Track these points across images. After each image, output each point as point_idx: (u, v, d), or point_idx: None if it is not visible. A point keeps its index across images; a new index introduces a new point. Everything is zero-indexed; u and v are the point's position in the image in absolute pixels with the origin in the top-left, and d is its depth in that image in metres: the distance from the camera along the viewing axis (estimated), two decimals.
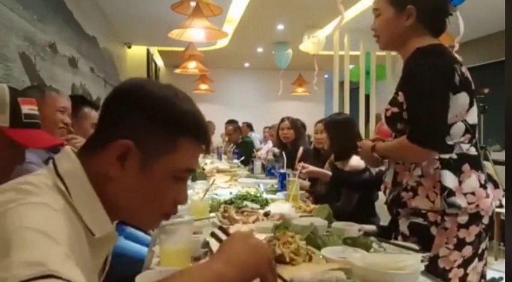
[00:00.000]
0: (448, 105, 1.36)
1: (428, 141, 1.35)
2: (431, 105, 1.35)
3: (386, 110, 1.48)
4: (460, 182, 1.37)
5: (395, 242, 1.44)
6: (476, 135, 1.45)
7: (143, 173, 0.70)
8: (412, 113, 1.39)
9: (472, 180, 1.37)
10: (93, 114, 2.28)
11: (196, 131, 0.73)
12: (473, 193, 1.36)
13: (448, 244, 1.39)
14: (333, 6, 3.59)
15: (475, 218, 1.38)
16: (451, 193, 1.36)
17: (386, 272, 1.01)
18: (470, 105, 1.40)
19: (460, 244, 1.39)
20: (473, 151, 1.41)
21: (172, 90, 0.76)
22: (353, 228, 1.53)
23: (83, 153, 0.72)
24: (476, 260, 1.42)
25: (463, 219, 1.37)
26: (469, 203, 1.35)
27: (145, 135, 0.70)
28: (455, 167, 1.38)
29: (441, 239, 1.40)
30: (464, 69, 1.40)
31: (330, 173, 2.27)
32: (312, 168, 2.29)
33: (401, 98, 1.42)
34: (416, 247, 1.37)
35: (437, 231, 1.40)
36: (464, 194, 1.36)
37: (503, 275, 0.98)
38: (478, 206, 1.36)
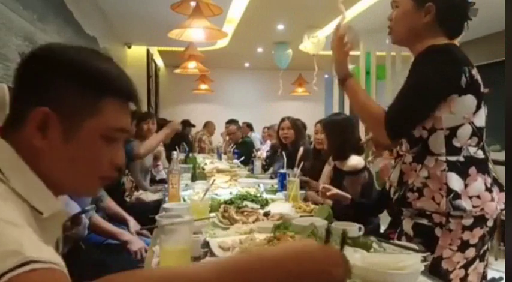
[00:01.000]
0: (433, 106, 1.36)
1: (390, 123, 1.35)
2: (415, 97, 1.36)
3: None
4: (466, 185, 1.37)
5: (396, 242, 1.44)
6: (484, 138, 1.44)
7: (68, 139, 0.67)
8: (401, 96, 1.39)
9: (478, 184, 1.37)
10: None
11: (119, 89, 0.71)
12: (478, 196, 1.36)
13: (451, 245, 1.39)
14: (333, 6, 3.58)
15: (479, 220, 1.38)
16: (457, 196, 1.36)
17: (387, 272, 1.01)
18: (478, 107, 1.39)
19: (464, 246, 1.39)
20: (480, 154, 1.41)
21: (88, 50, 0.74)
22: (353, 228, 1.53)
23: (7, 131, 0.68)
24: (477, 260, 1.42)
25: (467, 221, 1.37)
26: (474, 206, 1.36)
27: (64, 99, 0.66)
28: (462, 170, 1.38)
29: (445, 240, 1.40)
30: (474, 71, 1.39)
31: (349, 196, 2.24)
32: (335, 191, 2.23)
33: None
34: (416, 247, 1.37)
35: (441, 233, 1.40)
36: (470, 197, 1.36)
37: (503, 275, 0.98)
38: (482, 209, 1.36)
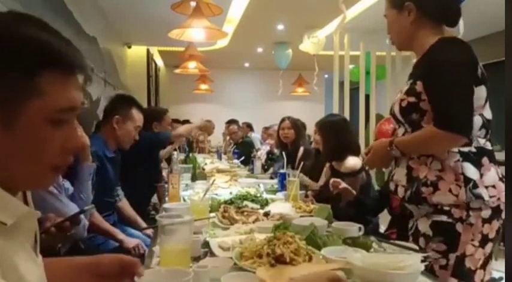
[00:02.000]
0: (473, 94, 1.36)
1: (456, 125, 1.32)
2: (458, 92, 1.34)
3: (402, 100, 1.45)
4: (482, 175, 1.37)
5: (395, 242, 1.44)
6: (490, 130, 1.45)
7: (8, 129, 0.56)
8: (438, 100, 1.36)
9: (492, 174, 1.38)
10: (139, 117, 2.38)
11: (58, 60, 0.58)
12: (494, 186, 1.36)
13: (473, 241, 1.37)
14: (333, 6, 3.59)
15: (496, 211, 1.37)
16: (476, 185, 1.35)
17: (387, 272, 1.01)
18: (487, 99, 1.41)
19: (484, 241, 1.38)
20: (489, 146, 1.43)
21: (13, 14, 0.60)
22: (353, 228, 1.53)
23: None
24: (493, 259, 1.44)
25: (486, 213, 1.36)
26: (490, 196, 1.35)
27: None
28: (475, 160, 1.38)
29: (467, 235, 1.37)
30: (480, 64, 1.41)
31: (354, 192, 2.25)
32: (345, 184, 2.22)
33: (419, 87, 1.40)
34: (416, 247, 1.37)
35: (463, 228, 1.37)
36: (486, 187, 1.36)
37: (503, 275, 0.98)
38: (499, 199, 1.35)
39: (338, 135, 2.56)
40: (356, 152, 2.57)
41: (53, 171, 0.63)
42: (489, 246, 1.39)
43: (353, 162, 2.47)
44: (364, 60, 5.95)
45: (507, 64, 1.07)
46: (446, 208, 1.38)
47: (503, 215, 1.38)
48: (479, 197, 1.34)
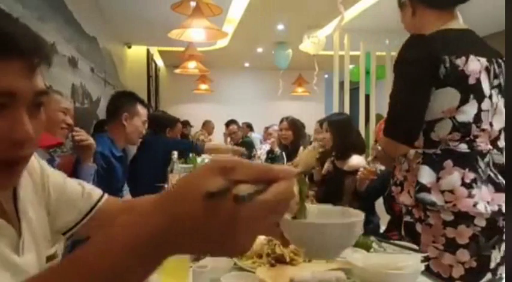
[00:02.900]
0: (427, 100, 1.29)
1: (396, 134, 1.32)
2: (405, 98, 1.31)
3: None
4: (439, 179, 1.30)
5: (396, 242, 1.44)
6: (477, 132, 1.31)
7: None
8: (390, 104, 1.35)
9: (453, 178, 1.28)
10: (144, 112, 2.43)
11: (4, 43, 0.52)
12: (451, 191, 1.28)
13: (435, 243, 1.31)
14: (333, 6, 3.59)
15: (461, 217, 1.27)
16: (423, 189, 1.30)
17: (387, 272, 1.01)
18: (463, 102, 1.28)
19: (451, 245, 1.29)
20: (464, 148, 1.31)
21: None
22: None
23: None
24: (488, 274, 1.29)
25: (447, 217, 1.29)
26: (446, 201, 1.28)
27: None
28: (436, 162, 1.31)
29: (427, 236, 1.33)
30: (460, 61, 1.27)
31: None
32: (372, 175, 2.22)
33: None
34: (416, 247, 1.36)
35: (422, 228, 1.34)
36: (442, 192, 1.28)
37: (503, 275, 0.98)
38: (455, 205, 1.26)
39: (346, 133, 2.59)
40: (360, 151, 2.59)
41: (2, 168, 0.55)
42: (463, 254, 1.27)
43: (357, 160, 2.49)
44: (364, 60, 5.95)
45: (507, 64, 1.07)
46: (410, 208, 1.38)
47: (477, 222, 1.27)
48: (422, 201, 1.30)
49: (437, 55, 1.27)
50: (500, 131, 1.35)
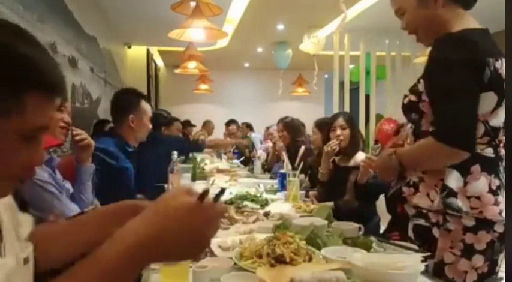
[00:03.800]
0: (478, 101, 1.21)
1: (457, 139, 1.20)
2: (460, 101, 1.20)
3: (405, 96, 1.37)
4: (466, 183, 1.25)
5: (396, 242, 1.44)
6: (501, 137, 1.28)
7: None
8: (439, 109, 1.24)
9: (480, 184, 1.24)
10: (148, 108, 2.52)
11: (43, 82, 0.59)
12: (478, 197, 1.24)
13: (453, 249, 1.27)
14: (333, 6, 3.59)
15: (484, 223, 1.24)
16: (451, 193, 1.25)
17: (387, 272, 1.01)
18: (498, 105, 1.23)
19: (468, 251, 1.25)
20: (490, 153, 1.26)
21: (6, 28, 0.60)
22: (353, 228, 1.53)
23: None
24: (494, 277, 1.29)
25: (468, 222, 1.25)
26: (472, 208, 1.23)
27: None
28: (464, 166, 1.25)
29: (444, 241, 1.28)
30: (499, 64, 1.22)
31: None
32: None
33: (421, 86, 1.30)
34: (416, 247, 1.36)
35: (439, 233, 1.29)
36: (468, 197, 1.24)
37: (503, 275, 0.98)
38: (481, 212, 1.23)
39: (358, 130, 2.68)
40: (363, 148, 2.65)
41: (15, 182, 0.64)
42: (478, 259, 1.25)
43: (363, 156, 2.52)
44: (364, 60, 5.95)
45: (507, 64, 1.07)
46: (424, 211, 1.32)
47: (497, 228, 1.24)
48: (450, 207, 1.24)
49: (483, 57, 1.21)
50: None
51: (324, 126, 2.78)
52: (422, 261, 1.06)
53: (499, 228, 1.24)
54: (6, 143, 0.58)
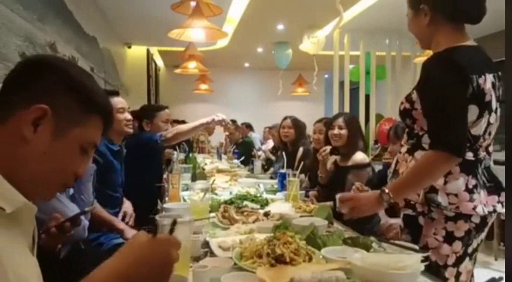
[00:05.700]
0: (467, 112, 1.34)
1: (454, 146, 1.31)
2: (452, 113, 1.32)
3: (401, 103, 1.51)
4: (446, 182, 1.39)
5: (396, 242, 1.44)
6: (482, 142, 1.41)
7: (54, 140, 0.72)
8: (434, 122, 1.36)
9: (458, 183, 1.39)
10: (116, 101, 2.36)
11: (105, 111, 0.80)
12: (456, 195, 1.39)
13: (436, 235, 1.42)
14: (333, 6, 3.58)
15: (462, 215, 1.39)
16: (433, 190, 1.40)
17: (387, 272, 1.01)
18: (478, 117, 1.36)
19: (449, 237, 1.41)
20: (469, 156, 1.39)
21: (85, 71, 0.84)
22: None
23: None
24: (467, 259, 1.45)
25: (449, 213, 1.40)
26: (450, 203, 1.38)
27: (62, 106, 0.73)
28: None
29: (428, 229, 1.43)
30: (482, 80, 1.34)
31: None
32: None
33: (415, 96, 1.44)
34: (416, 247, 1.37)
35: (424, 221, 1.45)
36: (447, 194, 1.39)
37: (503, 275, 0.98)
38: (458, 207, 1.38)
39: (358, 129, 2.67)
40: (363, 148, 2.65)
41: (60, 188, 0.78)
42: (457, 245, 1.41)
43: (361, 156, 2.54)
44: (364, 60, 5.95)
45: (507, 64, 1.07)
46: (412, 203, 1.46)
47: (474, 219, 1.40)
48: (432, 201, 1.40)
49: (466, 76, 1.33)
50: (493, 139, 1.47)
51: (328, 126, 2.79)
52: (422, 261, 1.06)
53: (476, 220, 1.41)
54: (71, 150, 0.75)
